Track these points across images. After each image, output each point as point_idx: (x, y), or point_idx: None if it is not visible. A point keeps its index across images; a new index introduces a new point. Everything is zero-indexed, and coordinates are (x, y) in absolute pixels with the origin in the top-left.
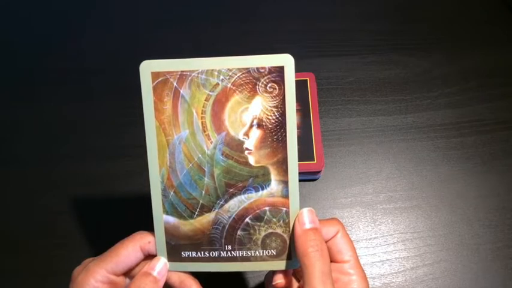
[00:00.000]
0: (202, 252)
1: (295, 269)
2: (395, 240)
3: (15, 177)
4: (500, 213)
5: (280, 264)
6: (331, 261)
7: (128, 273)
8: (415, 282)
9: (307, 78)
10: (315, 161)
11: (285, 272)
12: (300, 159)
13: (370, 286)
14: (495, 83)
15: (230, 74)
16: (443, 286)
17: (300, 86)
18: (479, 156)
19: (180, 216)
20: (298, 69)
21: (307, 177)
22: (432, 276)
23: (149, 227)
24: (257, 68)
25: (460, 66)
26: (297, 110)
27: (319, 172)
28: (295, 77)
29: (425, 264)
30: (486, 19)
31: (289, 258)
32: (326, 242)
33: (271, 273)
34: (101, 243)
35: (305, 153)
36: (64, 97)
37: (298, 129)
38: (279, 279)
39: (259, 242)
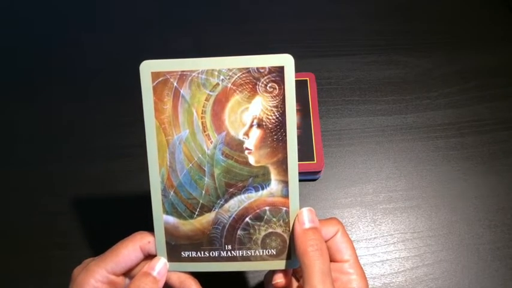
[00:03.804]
0: (202, 252)
1: (294, 268)
2: (395, 240)
3: (15, 177)
4: (500, 213)
5: (280, 264)
6: (330, 261)
7: (128, 273)
8: (415, 282)
9: (307, 78)
10: (315, 161)
11: (284, 272)
12: (300, 159)
13: (370, 286)
14: (495, 83)
15: (230, 74)
16: (443, 286)
17: (300, 86)
18: (479, 156)
19: (180, 216)
20: (298, 69)
21: (307, 177)
22: (432, 276)
23: (149, 227)
24: (257, 68)
25: (460, 66)
26: (297, 110)
27: (319, 172)
28: (296, 77)
29: (425, 264)
30: (486, 19)
31: (289, 257)
32: (326, 241)
33: (271, 273)
34: (101, 243)
35: (305, 153)
36: (64, 97)
37: (298, 129)
38: (279, 279)
39: (259, 242)
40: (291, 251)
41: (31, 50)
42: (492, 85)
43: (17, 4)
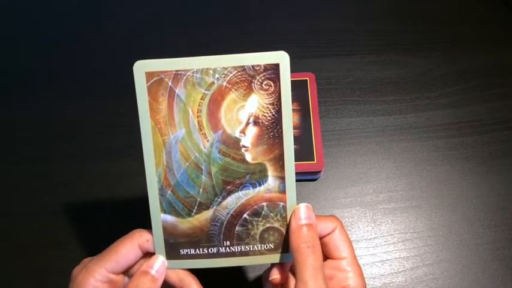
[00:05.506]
0: (201, 249)
1: (293, 266)
2: (395, 240)
3: (15, 177)
4: (500, 213)
5: (278, 257)
6: (328, 258)
7: (127, 272)
8: (415, 282)
9: (307, 78)
10: (315, 161)
11: (281, 268)
12: (300, 159)
13: (370, 286)
14: (495, 83)
15: (225, 72)
16: (443, 286)
17: (300, 86)
18: (479, 156)
19: (178, 214)
20: (298, 69)
21: (307, 177)
22: (432, 276)
23: (149, 226)
24: (252, 66)
25: (460, 66)
26: (297, 110)
27: (319, 172)
28: (296, 77)
29: (425, 264)
30: (486, 19)
31: (286, 251)
32: (323, 237)
33: (269, 270)
34: (101, 243)
35: (305, 153)
36: (64, 97)
37: (298, 129)
38: (275, 275)
39: (257, 237)
40: (288, 245)
41: (32, 50)
42: (492, 85)
43: (18, 4)
